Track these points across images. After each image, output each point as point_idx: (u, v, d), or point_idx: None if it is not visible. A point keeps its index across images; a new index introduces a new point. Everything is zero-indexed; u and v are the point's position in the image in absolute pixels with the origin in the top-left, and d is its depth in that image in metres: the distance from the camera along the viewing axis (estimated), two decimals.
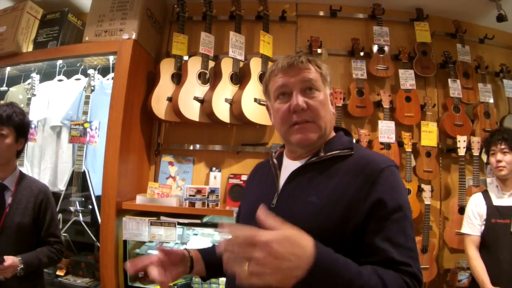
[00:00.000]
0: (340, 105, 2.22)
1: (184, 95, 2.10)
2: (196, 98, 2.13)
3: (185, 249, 0.93)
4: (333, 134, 0.91)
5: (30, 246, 1.47)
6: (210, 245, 2.01)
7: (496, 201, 1.75)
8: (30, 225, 1.47)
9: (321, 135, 0.84)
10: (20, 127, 1.49)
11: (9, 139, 1.45)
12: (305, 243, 0.59)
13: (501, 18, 2.22)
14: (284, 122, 0.85)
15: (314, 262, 0.58)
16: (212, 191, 2.04)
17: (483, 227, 1.75)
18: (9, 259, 1.32)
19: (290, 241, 0.57)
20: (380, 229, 0.72)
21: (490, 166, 1.80)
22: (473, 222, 1.78)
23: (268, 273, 0.55)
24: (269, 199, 0.85)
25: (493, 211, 1.73)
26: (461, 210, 2.12)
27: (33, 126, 2.29)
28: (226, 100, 2.13)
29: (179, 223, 1.96)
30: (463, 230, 1.83)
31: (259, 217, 0.59)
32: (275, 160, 0.94)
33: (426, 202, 2.14)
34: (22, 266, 1.35)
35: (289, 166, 0.89)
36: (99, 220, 2.02)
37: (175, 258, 0.86)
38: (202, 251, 0.96)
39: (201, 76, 2.18)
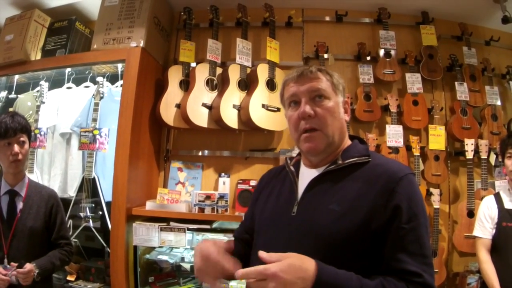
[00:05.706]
0: None
1: (192, 102, 2.12)
2: (204, 105, 2.15)
3: None
4: (349, 142, 0.93)
5: (42, 249, 1.51)
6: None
7: (508, 204, 1.73)
8: (42, 229, 1.52)
9: (329, 143, 0.86)
10: (30, 133, 1.59)
11: (27, 145, 1.54)
12: (307, 265, 0.68)
13: (506, 20, 2.20)
14: (295, 129, 0.89)
15: (316, 280, 0.66)
16: (221, 197, 2.04)
17: (494, 231, 1.72)
18: (28, 266, 1.36)
19: (294, 267, 0.67)
20: (397, 239, 0.75)
21: (505, 168, 1.76)
22: (485, 225, 1.75)
23: None
24: (289, 207, 0.87)
25: (505, 214, 1.71)
26: (470, 214, 2.11)
27: (42, 133, 2.32)
28: (234, 106, 2.15)
29: (189, 229, 1.97)
30: (474, 233, 1.80)
31: (263, 260, 0.68)
32: (292, 168, 0.95)
33: (435, 206, 2.14)
34: (37, 271, 1.39)
35: (306, 174, 0.91)
36: (109, 226, 2.03)
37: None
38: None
39: (209, 83, 2.20)
